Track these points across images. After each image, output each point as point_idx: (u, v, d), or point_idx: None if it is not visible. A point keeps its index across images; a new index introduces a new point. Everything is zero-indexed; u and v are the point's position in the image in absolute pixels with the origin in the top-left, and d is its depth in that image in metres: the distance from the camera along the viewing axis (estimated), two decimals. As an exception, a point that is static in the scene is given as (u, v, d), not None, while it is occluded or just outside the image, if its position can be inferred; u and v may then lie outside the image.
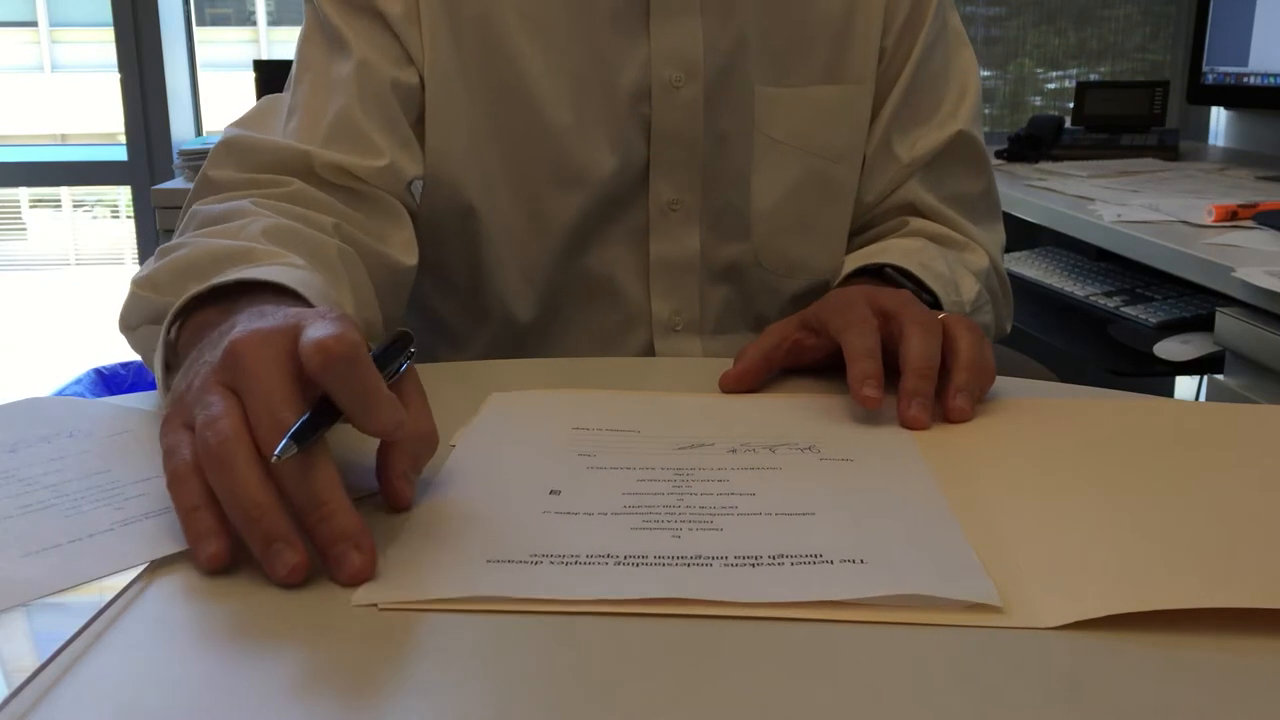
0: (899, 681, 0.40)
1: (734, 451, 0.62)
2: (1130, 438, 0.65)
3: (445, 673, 0.41)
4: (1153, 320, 1.49)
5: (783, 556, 0.49)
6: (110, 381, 2.26)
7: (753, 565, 0.49)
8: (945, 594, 0.45)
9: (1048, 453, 0.63)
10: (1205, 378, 1.44)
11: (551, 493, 0.57)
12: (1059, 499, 0.56)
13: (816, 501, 0.55)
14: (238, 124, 0.88)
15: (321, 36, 0.87)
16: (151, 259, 0.72)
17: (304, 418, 0.48)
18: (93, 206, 5.85)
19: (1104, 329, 1.55)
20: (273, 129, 0.86)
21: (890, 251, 0.88)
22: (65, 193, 5.74)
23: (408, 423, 0.51)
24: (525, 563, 0.49)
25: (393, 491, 0.53)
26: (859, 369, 0.66)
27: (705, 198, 0.91)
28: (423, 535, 0.52)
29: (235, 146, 0.82)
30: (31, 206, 6.00)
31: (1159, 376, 1.40)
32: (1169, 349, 1.42)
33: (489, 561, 0.49)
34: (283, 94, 0.89)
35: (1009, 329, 1.01)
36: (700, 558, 0.49)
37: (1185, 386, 2.10)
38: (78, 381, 2.25)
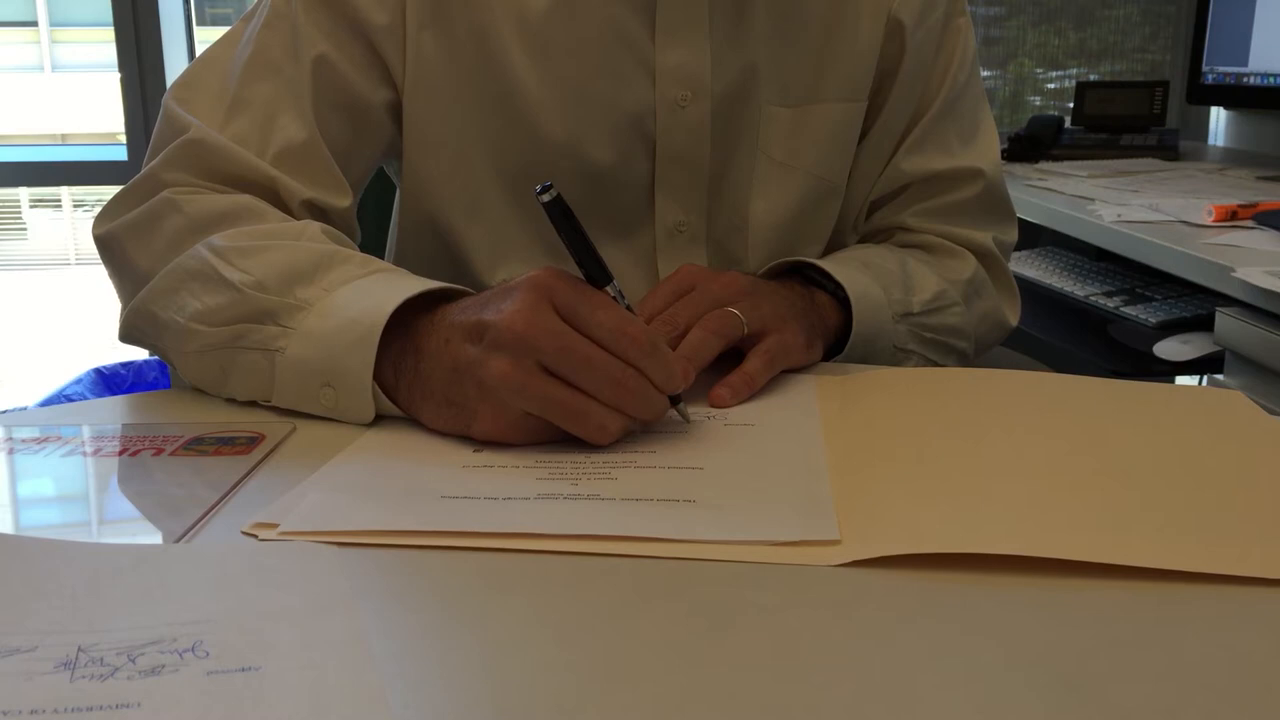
0: (889, 673, 0.40)
1: None
2: (1025, 407, 0.70)
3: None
4: (1153, 320, 1.49)
5: (657, 500, 0.54)
6: (110, 381, 2.26)
7: (620, 502, 0.54)
8: (785, 537, 0.50)
9: (938, 423, 0.68)
10: (1205, 378, 1.44)
11: (475, 450, 0.62)
12: (935, 460, 0.61)
13: (708, 458, 0.60)
14: (181, 99, 0.82)
15: (285, 31, 0.81)
16: (203, 254, 0.70)
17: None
18: (93, 207, 5.84)
19: (1104, 329, 1.55)
20: (217, 117, 0.80)
21: (833, 256, 0.89)
22: (65, 193, 5.75)
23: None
24: (431, 499, 0.54)
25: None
26: None
27: (710, 219, 0.90)
28: (336, 478, 0.57)
29: (194, 151, 0.78)
30: (31, 206, 6.00)
31: (1159, 376, 1.39)
32: (1169, 349, 1.42)
33: (396, 504, 0.54)
34: (224, 68, 0.83)
35: (1014, 322, 0.99)
36: (582, 496, 0.55)
37: (1185, 386, 2.10)
38: (78, 381, 2.24)
